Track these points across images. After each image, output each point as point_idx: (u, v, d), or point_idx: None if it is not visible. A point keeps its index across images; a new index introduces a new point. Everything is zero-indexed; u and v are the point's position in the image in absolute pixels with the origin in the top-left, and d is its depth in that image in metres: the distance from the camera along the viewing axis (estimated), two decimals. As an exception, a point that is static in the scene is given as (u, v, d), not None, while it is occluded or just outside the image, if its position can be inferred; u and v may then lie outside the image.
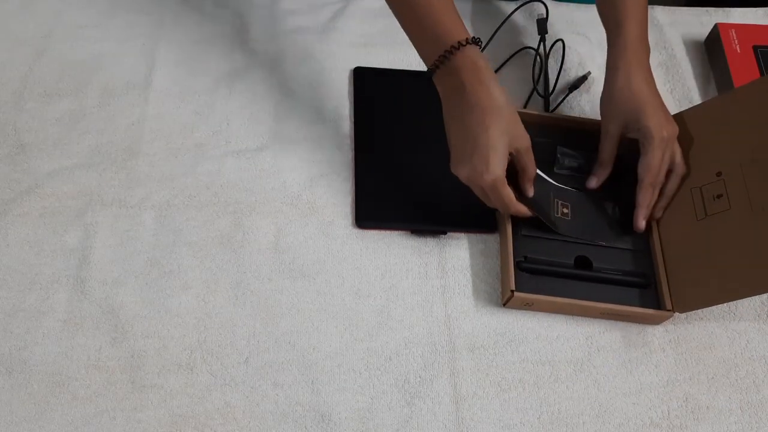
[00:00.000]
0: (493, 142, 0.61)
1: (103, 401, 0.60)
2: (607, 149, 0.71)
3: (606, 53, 0.72)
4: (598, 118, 0.73)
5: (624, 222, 0.70)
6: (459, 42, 0.61)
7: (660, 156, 0.67)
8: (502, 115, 0.62)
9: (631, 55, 0.69)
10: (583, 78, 0.83)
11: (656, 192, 0.69)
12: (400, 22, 0.66)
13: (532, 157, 0.65)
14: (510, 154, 0.63)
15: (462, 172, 0.64)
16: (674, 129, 0.68)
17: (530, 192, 0.67)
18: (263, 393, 0.61)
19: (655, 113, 0.67)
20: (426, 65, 0.65)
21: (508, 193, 0.63)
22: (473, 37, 0.62)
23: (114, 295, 0.65)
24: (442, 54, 0.62)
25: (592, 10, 0.90)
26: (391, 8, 0.67)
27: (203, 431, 0.59)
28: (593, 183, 0.72)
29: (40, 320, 0.63)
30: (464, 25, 0.64)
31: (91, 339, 0.62)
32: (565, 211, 0.70)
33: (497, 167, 0.61)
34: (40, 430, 0.58)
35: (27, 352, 0.61)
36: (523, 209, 0.66)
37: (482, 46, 0.64)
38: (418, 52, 0.66)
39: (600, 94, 0.72)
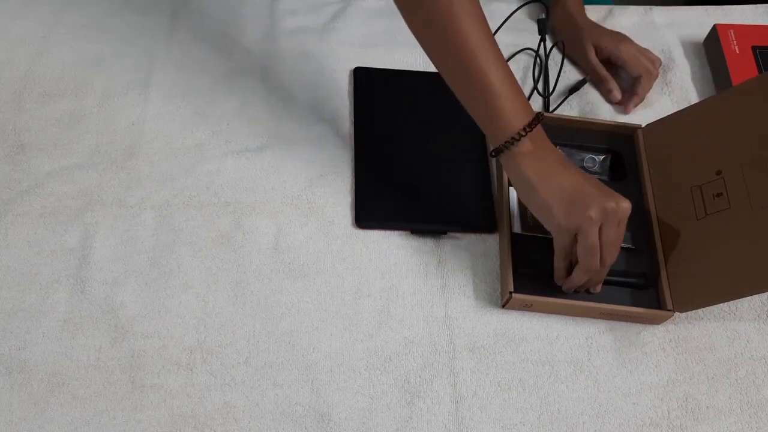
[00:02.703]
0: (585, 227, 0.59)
1: (103, 401, 0.60)
2: (596, 64, 0.83)
3: None
4: (598, 118, 0.73)
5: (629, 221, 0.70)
6: (525, 128, 0.60)
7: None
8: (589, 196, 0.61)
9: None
10: (583, 81, 0.83)
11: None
12: (458, 96, 0.63)
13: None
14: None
15: (595, 204, 0.59)
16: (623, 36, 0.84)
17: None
18: (263, 393, 0.61)
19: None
20: (493, 144, 0.62)
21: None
22: (536, 115, 0.61)
23: (114, 295, 0.65)
24: (507, 140, 0.60)
25: (591, 12, 0.90)
26: (447, 81, 0.63)
27: (203, 431, 0.59)
28: (618, 95, 0.82)
29: (40, 320, 0.63)
30: (526, 100, 0.61)
31: (91, 339, 0.62)
32: None
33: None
34: (40, 430, 0.58)
35: (27, 352, 0.61)
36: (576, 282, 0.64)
37: (542, 117, 0.61)
38: (484, 129, 0.63)
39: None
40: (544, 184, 0.60)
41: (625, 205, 0.60)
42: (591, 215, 0.59)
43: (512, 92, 0.60)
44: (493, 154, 0.62)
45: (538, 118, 0.60)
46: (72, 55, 0.80)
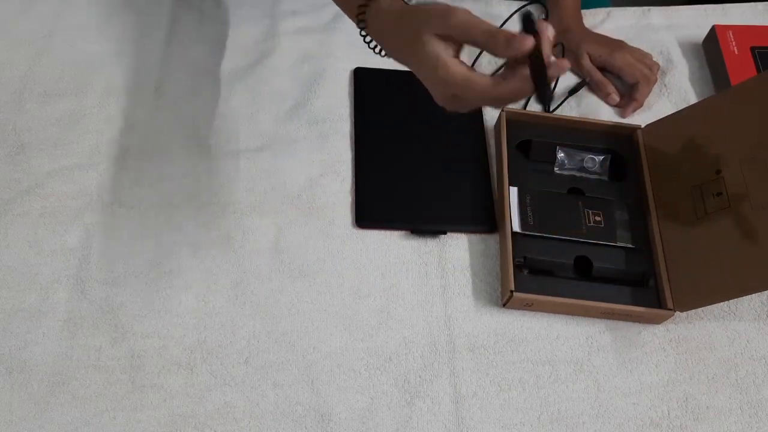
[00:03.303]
0: (430, 49, 0.53)
1: (103, 401, 0.60)
2: (591, 68, 0.83)
3: None
4: (598, 119, 0.73)
5: (629, 221, 0.71)
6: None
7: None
8: (419, 18, 0.54)
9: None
10: (582, 83, 0.83)
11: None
12: None
13: (474, 19, 0.55)
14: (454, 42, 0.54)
15: (439, 99, 0.55)
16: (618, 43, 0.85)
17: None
18: (263, 393, 0.61)
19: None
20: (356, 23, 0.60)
21: (480, 79, 0.53)
22: None
23: (114, 295, 0.65)
24: (362, 4, 0.57)
25: (589, 15, 0.90)
26: None
27: (203, 431, 0.59)
28: (616, 98, 0.82)
29: (40, 320, 0.63)
30: None
31: (91, 339, 0.62)
32: (598, 219, 0.70)
33: (449, 68, 0.53)
34: (40, 430, 0.58)
35: (27, 352, 0.61)
36: (513, 86, 0.53)
37: None
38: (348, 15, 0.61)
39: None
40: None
41: (450, 90, 0.53)
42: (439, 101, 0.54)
43: None
44: (361, 27, 0.59)
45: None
46: (72, 55, 0.80)
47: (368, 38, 0.61)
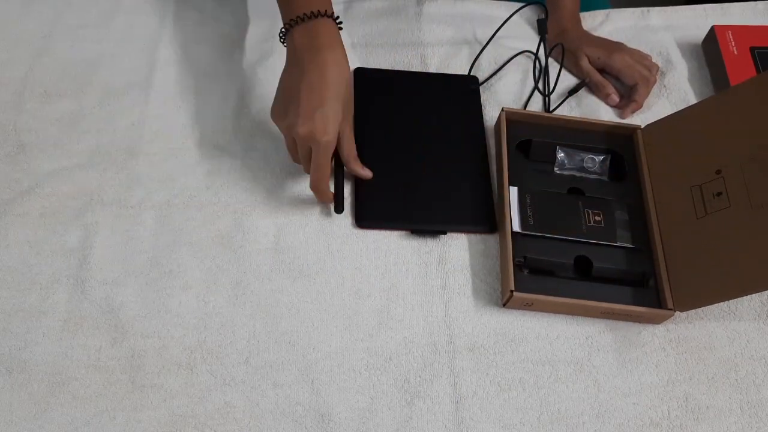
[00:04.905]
0: (338, 108, 0.63)
1: (103, 401, 0.60)
2: (590, 69, 0.84)
3: None
4: (598, 119, 0.73)
5: (629, 221, 0.71)
6: (322, 11, 0.64)
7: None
8: (349, 89, 0.66)
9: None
10: (582, 84, 0.83)
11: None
12: None
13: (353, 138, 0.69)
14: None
15: (297, 125, 0.63)
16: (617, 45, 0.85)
17: (364, 172, 0.70)
18: (263, 393, 0.61)
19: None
20: (283, 21, 0.66)
21: (328, 160, 0.65)
22: (336, 15, 0.66)
23: (114, 295, 0.65)
24: (305, 14, 0.64)
25: (588, 17, 0.90)
26: None
27: (203, 431, 0.59)
28: (616, 98, 0.82)
29: (40, 320, 0.63)
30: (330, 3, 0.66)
31: (91, 339, 0.62)
32: (597, 218, 0.70)
33: (335, 132, 0.64)
34: (40, 430, 0.58)
35: (27, 352, 0.61)
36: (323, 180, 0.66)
37: (340, 25, 0.66)
38: (280, 9, 0.67)
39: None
40: (284, 72, 0.66)
41: (302, 131, 0.62)
42: (281, 125, 0.66)
43: None
44: (281, 34, 0.67)
45: (328, 14, 0.64)
46: (72, 55, 0.80)
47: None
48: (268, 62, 0.81)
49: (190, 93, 0.78)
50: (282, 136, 0.68)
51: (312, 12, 0.64)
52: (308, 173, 0.66)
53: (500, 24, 0.86)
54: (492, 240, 0.71)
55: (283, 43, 0.67)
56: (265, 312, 0.65)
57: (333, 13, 0.65)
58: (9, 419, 0.58)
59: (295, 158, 0.68)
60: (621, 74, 0.83)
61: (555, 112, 0.81)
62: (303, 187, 0.72)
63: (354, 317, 0.66)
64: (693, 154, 0.70)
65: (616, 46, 0.84)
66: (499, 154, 0.74)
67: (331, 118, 0.63)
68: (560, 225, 0.69)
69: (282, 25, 0.66)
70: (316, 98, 0.62)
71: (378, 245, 0.70)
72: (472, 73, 0.82)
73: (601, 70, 0.84)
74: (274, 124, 0.67)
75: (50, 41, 0.81)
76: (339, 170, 0.70)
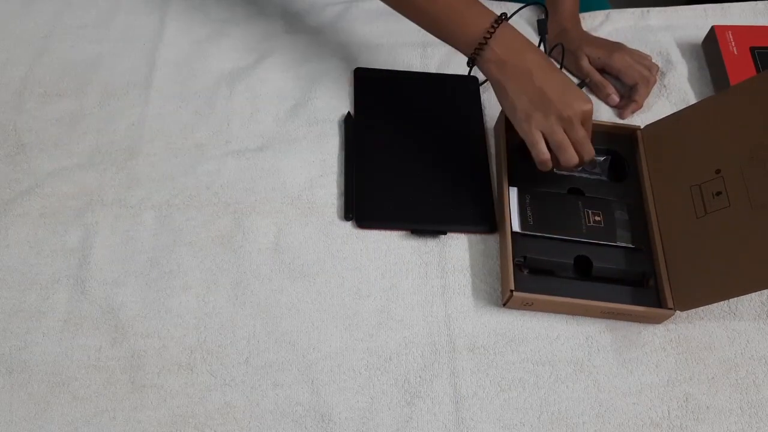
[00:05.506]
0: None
1: (103, 401, 0.60)
2: (590, 69, 0.84)
3: None
4: (597, 120, 0.73)
5: (629, 221, 0.71)
6: (492, 21, 0.65)
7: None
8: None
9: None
10: (582, 84, 0.83)
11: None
12: (422, 25, 0.70)
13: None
14: None
15: (580, 106, 0.65)
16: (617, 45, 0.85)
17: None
18: (263, 393, 0.61)
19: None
20: (466, 50, 0.67)
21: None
22: (496, 18, 0.66)
23: (114, 295, 0.65)
24: (484, 37, 0.65)
25: (588, 18, 0.90)
26: (409, 16, 0.71)
27: (203, 431, 0.59)
28: (616, 98, 0.82)
29: (40, 320, 0.63)
30: (483, 7, 0.67)
31: (91, 339, 0.62)
32: (597, 218, 0.70)
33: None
34: (40, 430, 0.58)
35: (27, 352, 0.61)
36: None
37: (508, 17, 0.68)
38: (448, 41, 0.69)
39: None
40: (510, 88, 0.66)
41: (585, 108, 0.65)
42: (549, 123, 0.65)
43: (466, 2, 0.67)
44: (469, 65, 0.68)
45: (498, 21, 0.65)
46: (72, 55, 0.80)
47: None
48: (268, 62, 0.81)
49: (190, 93, 0.78)
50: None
51: (487, 30, 0.65)
52: (561, 165, 0.66)
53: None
54: (492, 240, 0.71)
55: (470, 66, 0.68)
56: (265, 312, 0.65)
57: (496, 14, 0.66)
58: (9, 419, 0.58)
59: (549, 160, 0.67)
60: (621, 74, 0.83)
61: (555, 112, 0.81)
62: (303, 187, 0.72)
63: (354, 317, 0.66)
64: (693, 153, 0.70)
65: (616, 46, 0.84)
66: (499, 154, 0.74)
67: (578, 90, 0.66)
68: (560, 225, 0.69)
69: (467, 54, 0.67)
70: (561, 80, 0.65)
71: (378, 245, 0.70)
72: (472, 74, 0.82)
73: (601, 71, 0.84)
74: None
75: (50, 41, 0.81)
76: (350, 173, 0.71)
